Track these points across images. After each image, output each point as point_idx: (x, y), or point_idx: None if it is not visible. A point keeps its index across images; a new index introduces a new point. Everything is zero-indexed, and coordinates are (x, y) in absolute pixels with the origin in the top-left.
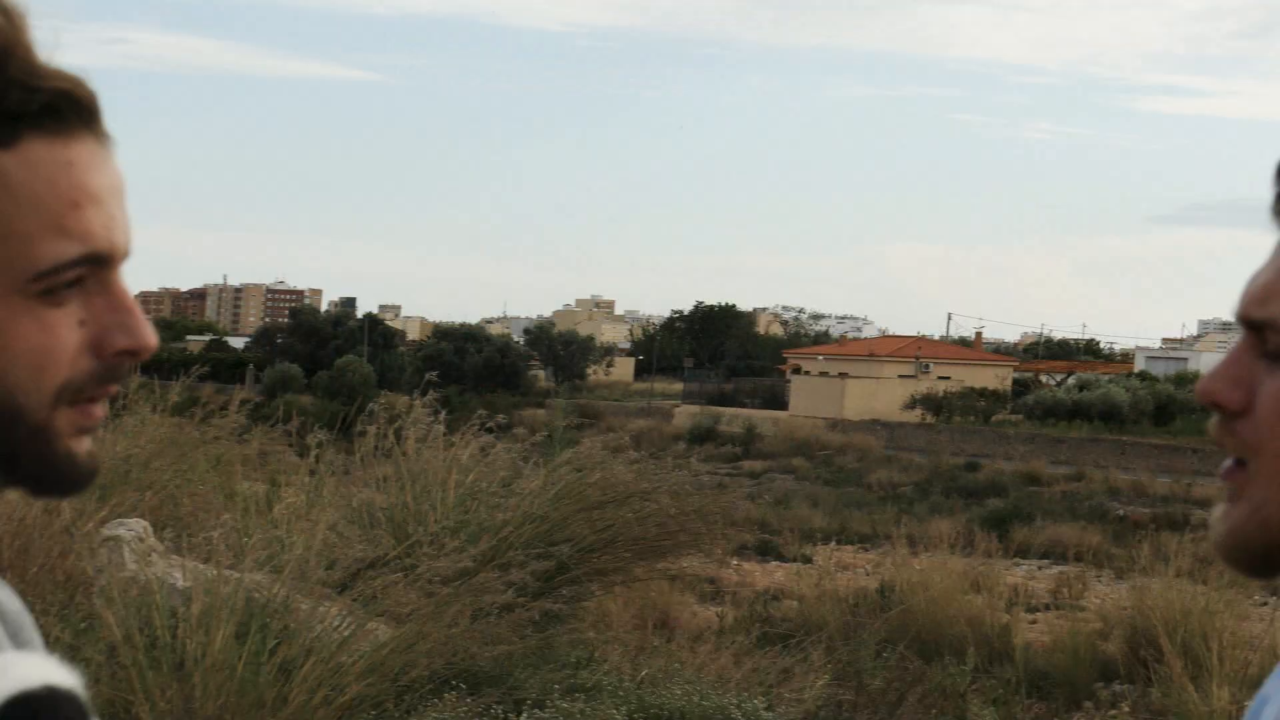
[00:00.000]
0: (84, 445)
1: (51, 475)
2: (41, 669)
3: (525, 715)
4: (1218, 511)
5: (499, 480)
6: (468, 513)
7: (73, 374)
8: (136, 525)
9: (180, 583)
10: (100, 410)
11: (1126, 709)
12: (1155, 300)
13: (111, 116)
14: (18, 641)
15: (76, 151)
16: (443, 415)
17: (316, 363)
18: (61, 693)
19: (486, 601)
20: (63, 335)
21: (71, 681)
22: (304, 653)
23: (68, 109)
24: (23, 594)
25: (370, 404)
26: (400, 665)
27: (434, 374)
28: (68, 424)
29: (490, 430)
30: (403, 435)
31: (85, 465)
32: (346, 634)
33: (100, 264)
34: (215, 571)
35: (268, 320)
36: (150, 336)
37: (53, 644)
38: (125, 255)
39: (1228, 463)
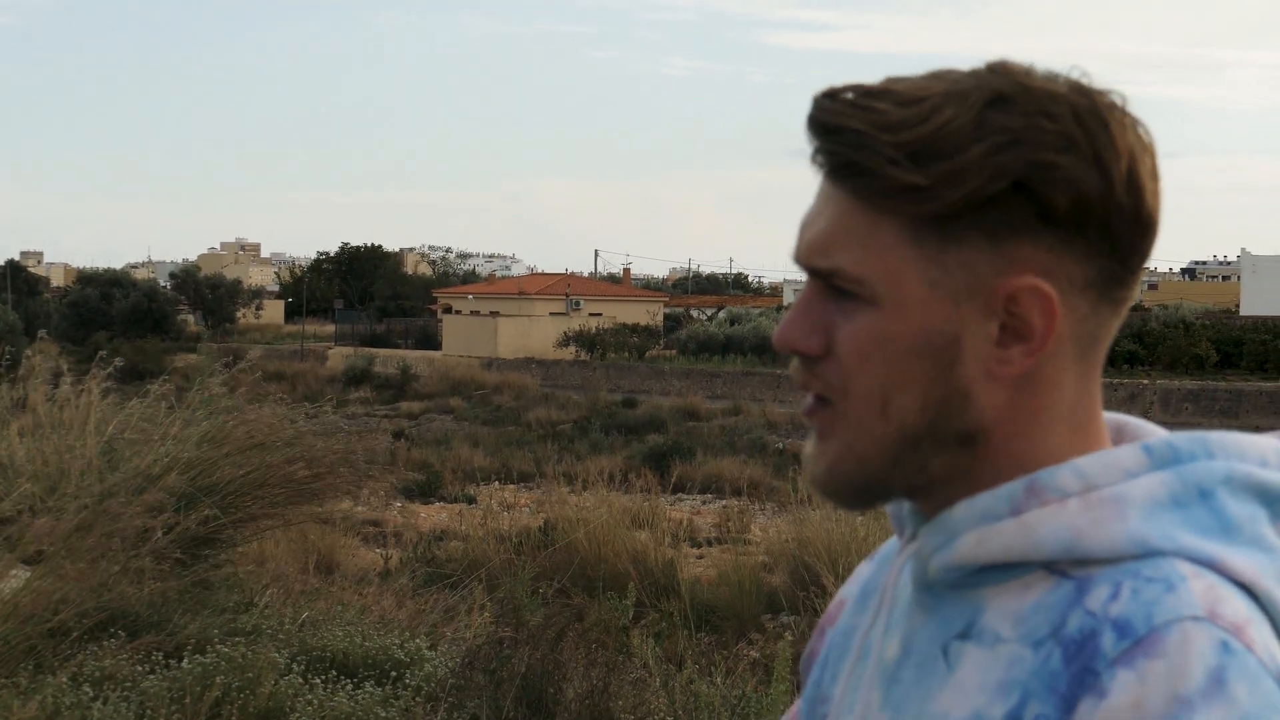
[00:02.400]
0: None
1: None
2: None
3: (186, 660)
4: (810, 448)
5: (139, 428)
6: (112, 461)
7: None
8: None
9: None
10: None
11: (790, 639)
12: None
13: None
14: None
15: None
16: (85, 365)
17: None
18: None
19: (122, 526)
20: None
21: None
22: None
23: None
24: None
25: (23, 353)
26: (45, 606)
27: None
28: None
29: (120, 377)
30: (28, 384)
31: None
32: None
33: None
34: None
35: None
36: None
37: None
38: None
39: (809, 400)
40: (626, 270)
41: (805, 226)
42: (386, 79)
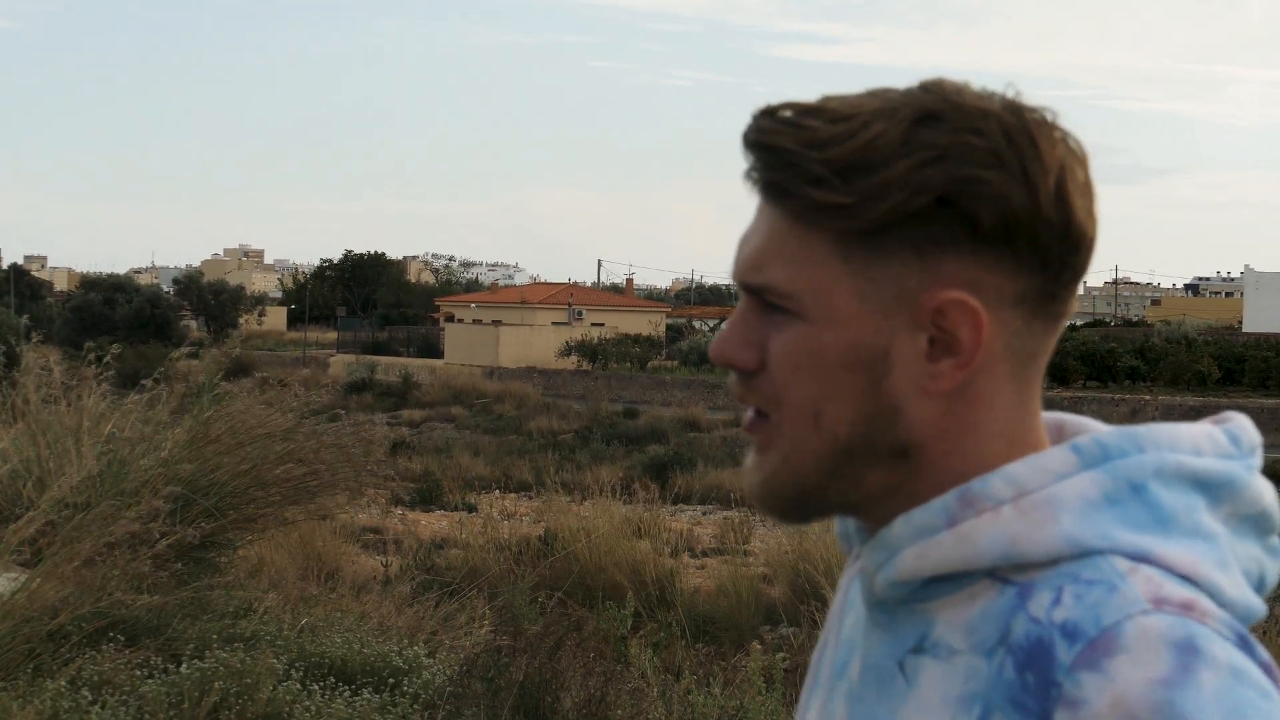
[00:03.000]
0: None
1: None
2: None
3: (185, 666)
4: (750, 461)
5: (138, 431)
6: (109, 465)
7: None
8: None
9: None
10: None
11: (788, 650)
12: None
13: None
14: None
15: None
16: (88, 370)
17: None
18: None
19: (117, 531)
20: None
21: None
22: None
23: None
24: None
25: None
26: (43, 609)
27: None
28: None
29: (122, 382)
30: (23, 387)
31: None
32: None
33: None
34: None
35: None
36: None
37: None
38: None
39: (749, 415)
40: (629, 280)
41: (742, 244)
42: (391, 87)
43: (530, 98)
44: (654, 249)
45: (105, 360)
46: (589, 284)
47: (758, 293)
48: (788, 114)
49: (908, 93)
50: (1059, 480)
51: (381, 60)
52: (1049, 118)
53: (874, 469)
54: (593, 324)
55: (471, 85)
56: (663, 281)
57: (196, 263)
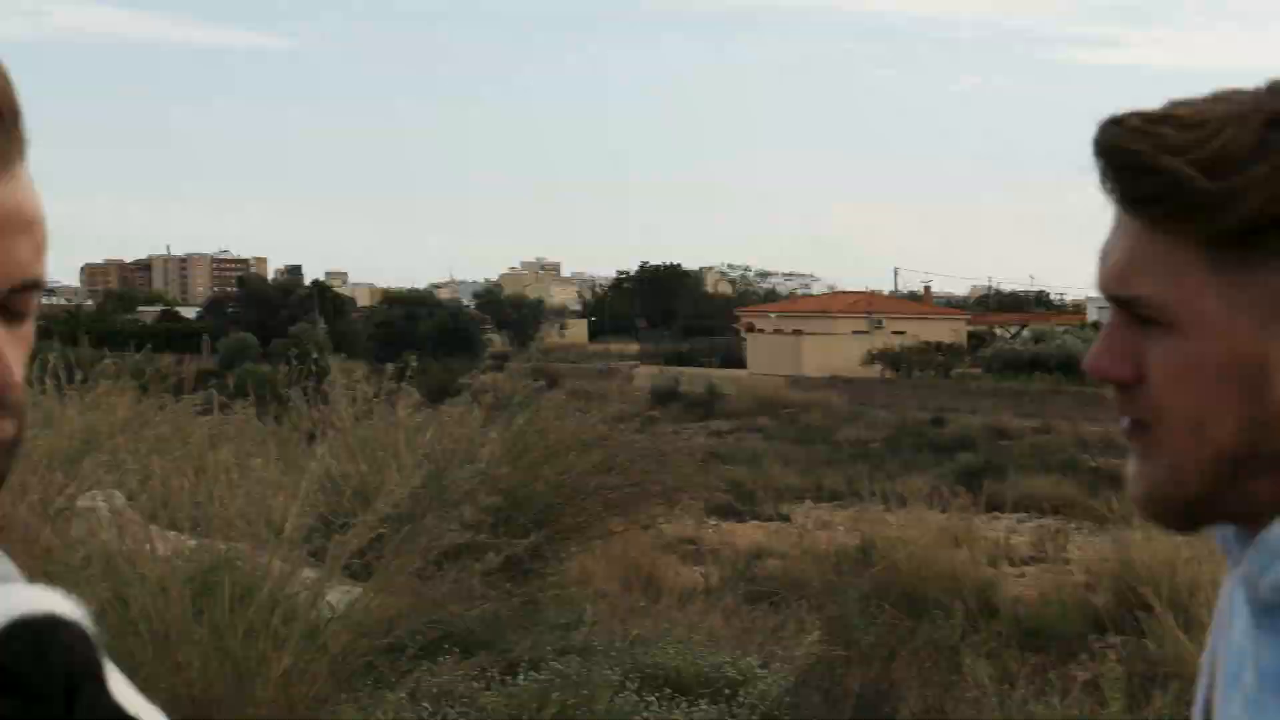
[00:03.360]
0: None
1: None
2: (46, 599)
3: (521, 676)
4: (1131, 469)
5: (456, 444)
6: (429, 478)
7: None
8: (111, 496)
9: (156, 551)
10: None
11: (1115, 660)
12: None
13: (39, 91)
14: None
15: None
16: (398, 383)
17: (268, 331)
18: (65, 621)
19: (444, 544)
20: None
21: (77, 614)
22: (274, 612)
23: None
24: None
25: (328, 372)
26: (376, 623)
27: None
28: None
29: (429, 396)
30: (335, 403)
31: None
32: (311, 594)
33: None
34: (188, 539)
35: (215, 289)
36: (10, 377)
37: None
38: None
39: (1125, 422)
40: (927, 288)
41: (1104, 255)
42: (684, 99)
43: (817, 107)
44: (949, 257)
45: (410, 375)
46: (886, 292)
47: (1127, 305)
48: (1136, 122)
49: (1256, 95)
50: None
51: (670, 74)
52: None
53: (1262, 478)
54: (893, 332)
55: (757, 97)
56: (960, 289)
57: (494, 276)
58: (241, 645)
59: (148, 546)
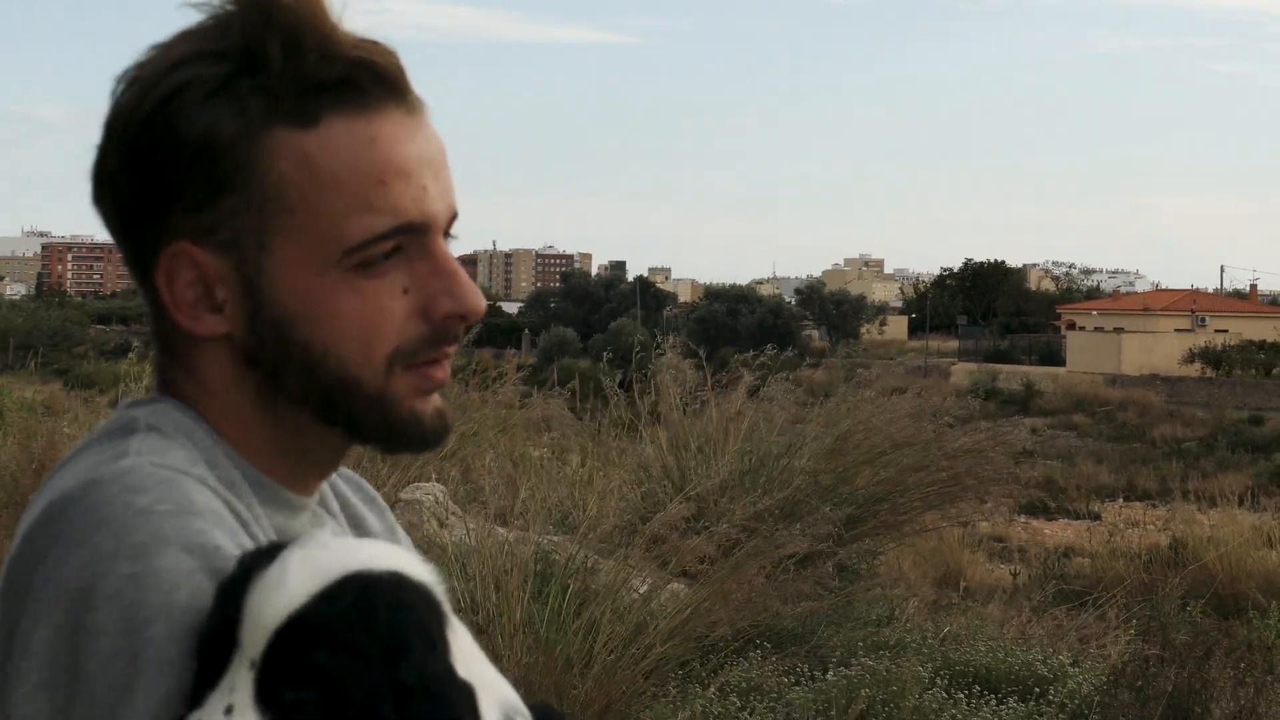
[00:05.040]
0: (430, 405)
1: (398, 435)
2: (394, 557)
3: (831, 673)
4: None
5: (776, 434)
6: (749, 469)
7: (402, 340)
8: (433, 489)
9: (476, 544)
10: (440, 372)
11: None
12: None
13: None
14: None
15: (379, 125)
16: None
17: (589, 326)
18: (409, 581)
19: (785, 553)
20: (385, 304)
21: (426, 575)
22: (608, 612)
23: (367, 80)
24: None
25: (648, 367)
26: (704, 625)
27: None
28: (407, 387)
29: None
30: (664, 393)
31: (432, 424)
32: (646, 593)
33: (416, 232)
34: (509, 533)
35: (539, 285)
36: (475, 300)
37: None
38: (446, 221)
39: None
40: (1253, 285)
41: None
42: (1006, 97)
43: (1154, 103)
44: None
45: (734, 371)
46: (1211, 290)
47: None
48: None
49: None
50: None
51: (998, 69)
52: None
53: None
54: (1216, 330)
55: (1089, 92)
56: None
57: (817, 273)
58: (569, 639)
59: (490, 539)
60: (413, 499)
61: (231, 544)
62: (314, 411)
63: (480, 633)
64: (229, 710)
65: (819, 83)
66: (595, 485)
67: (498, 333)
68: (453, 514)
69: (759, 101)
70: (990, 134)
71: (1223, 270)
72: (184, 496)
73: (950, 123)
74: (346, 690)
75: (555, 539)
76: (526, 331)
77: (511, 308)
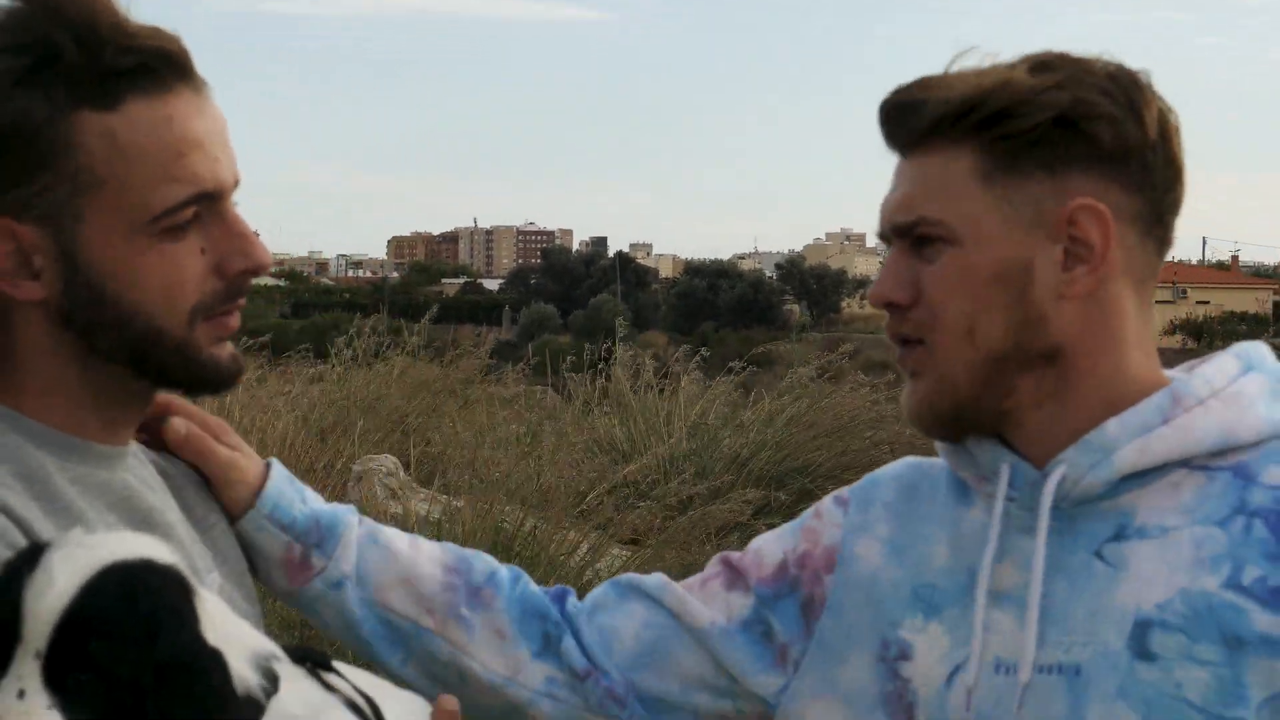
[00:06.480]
0: (225, 350)
1: (199, 379)
2: (140, 545)
3: None
4: (906, 390)
5: (723, 414)
6: (699, 446)
7: (201, 296)
8: (386, 461)
9: (431, 515)
10: (233, 321)
11: None
12: None
13: (364, 67)
14: (146, 528)
15: (174, 105)
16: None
17: (570, 302)
18: (158, 565)
19: (723, 520)
20: (186, 264)
21: (170, 556)
22: (553, 578)
23: (161, 65)
24: None
25: (621, 343)
26: None
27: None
28: (206, 336)
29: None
30: (616, 378)
31: (228, 367)
32: (586, 556)
33: (211, 199)
34: (463, 504)
35: (520, 262)
36: (264, 256)
37: None
38: (233, 186)
39: (900, 351)
40: (1234, 257)
41: (885, 202)
42: None
43: None
44: (1260, 224)
45: (711, 347)
46: (1193, 262)
47: (909, 230)
48: (919, 80)
49: (1017, 59)
50: (1236, 380)
51: (981, 38)
52: (1145, 77)
53: (1026, 375)
54: (1197, 302)
55: None
56: (1270, 257)
57: (798, 248)
58: None
59: (415, 507)
60: (365, 470)
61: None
62: (125, 363)
63: None
64: (21, 694)
65: (800, 56)
66: (547, 457)
67: (479, 310)
68: (406, 486)
69: (739, 77)
70: None
71: (1204, 242)
72: None
73: None
74: (117, 671)
75: (507, 509)
76: (507, 308)
77: (493, 284)
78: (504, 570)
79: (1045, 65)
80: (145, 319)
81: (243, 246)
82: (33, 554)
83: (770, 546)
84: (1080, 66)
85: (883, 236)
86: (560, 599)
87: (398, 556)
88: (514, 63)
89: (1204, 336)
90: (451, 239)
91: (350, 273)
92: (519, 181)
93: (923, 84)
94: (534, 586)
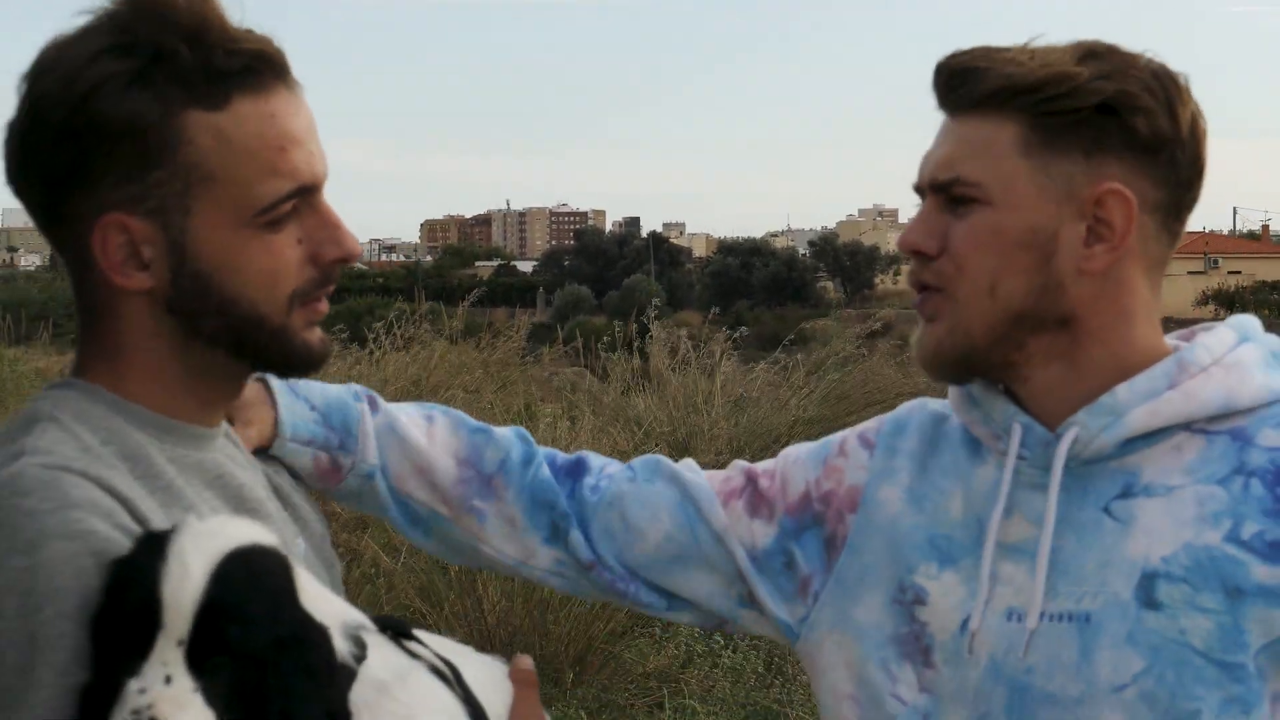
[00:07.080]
0: (315, 334)
1: (293, 361)
2: (249, 530)
3: None
4: (919, 332)
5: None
6: (736, 424)
7: (299, 283)
8: None
9: None
10: (324, 306)
11: None
12: None
13: (393, 51)
14: (240, 511)
15: (275, 104)
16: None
17: (604, 283)
18: (265, 548)
19: None
20: (286, 254)
21: (270, 538)
22: None
23: (264, 67)
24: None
25: (657, 323)
26: None
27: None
28: (301, 322)
29: (760, 344)
30: (654, 357)
31: (319, 349)
32: None
33: (308, 192)
34: None
35: (553, 243)
36: (355, 245)
37: (351, 554)
38: (325, 180)
39: (920, 296)
40: (1265, 226)
41: (927, 157)
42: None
43: (1164, 43)
44: None
45: (748, 325)
46: (1224, 232)
47: (945, 188)
48: (980, 50)
49: (1068, 45)
50: (1234, 349)
51: (1013, 13)
52: (1184, 79)
53: (1039, 336)
54: (1229, 272)
55: (1105, 32)
56: None
57: (831, 224)
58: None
59: None
60: None
61: (108, 526)
62: (226, 347)
63: (467, 577)
64: (168, 680)
65: (833, 31)
66: (587, 439)
67: (513, 292)
68: None
69: (771, 53)
70: None
71: (1235, 212)
72: (63, 494)
73: None
74: (249, 651)
75: None
76: (541, 290)
77: (526, 266)
78: (516, 451)
79: (1095, 54)
80: (248, 306)
81: (335, 236)
82: (156, 543)
83: (794, 471)
84: (1127, 60)
85: (918, 189)
86: (575, 475)
87: (415, 447)
88: (545, 42)
89: (1236, 306)
90: (484, 221)
91: (383, 256)
92: (552, 163)
93: (985, 54)
94: (545, 471)
